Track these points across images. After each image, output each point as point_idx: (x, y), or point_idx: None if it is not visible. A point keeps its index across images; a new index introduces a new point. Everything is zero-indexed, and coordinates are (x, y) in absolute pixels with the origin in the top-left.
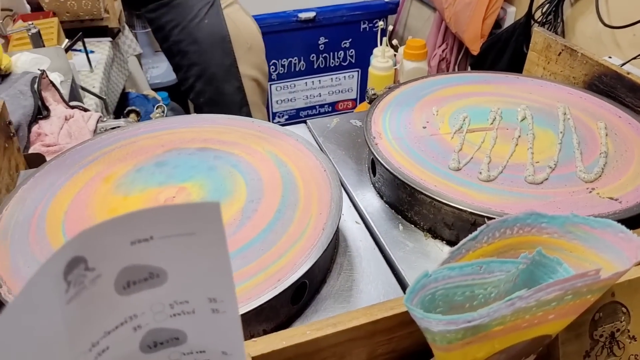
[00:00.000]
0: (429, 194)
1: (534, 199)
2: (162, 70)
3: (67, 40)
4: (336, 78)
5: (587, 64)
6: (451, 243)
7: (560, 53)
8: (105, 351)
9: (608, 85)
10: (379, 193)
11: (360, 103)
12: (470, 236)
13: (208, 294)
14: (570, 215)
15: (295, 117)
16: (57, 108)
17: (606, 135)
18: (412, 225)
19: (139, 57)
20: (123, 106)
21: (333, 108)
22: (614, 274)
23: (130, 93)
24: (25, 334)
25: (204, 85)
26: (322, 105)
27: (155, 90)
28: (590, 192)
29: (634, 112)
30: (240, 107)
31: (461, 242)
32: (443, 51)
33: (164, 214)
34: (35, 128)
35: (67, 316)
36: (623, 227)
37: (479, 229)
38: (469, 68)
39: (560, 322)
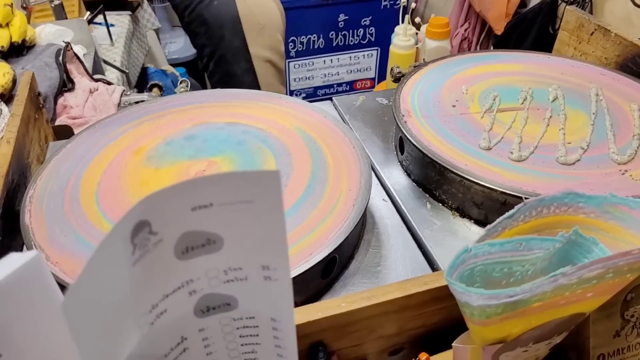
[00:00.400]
0: (459, 173)
1: (566, 180)
2: (179, 45)
3: (88, 12)
4: (355, 56)
5: (621, 45)
6: (479, 222)
7: (592, 33)
8: (163, 314)
9: None
10: (406, 171)
11: (378, 82)
12: (507, 214)
13: (262, 261)
14: (609, 195)
15: (313, 95)
16: (81, 81)
17: (639, 117)
18: (440, 204)
19: (157, 31)
20: (142, 81)
21: (351, 87)
22: None
23: (149, 68)
24: (100, 291)
25: (215, 66)
26: (340, 84)
27: (173, 65)
28: (623, 174)
29: None
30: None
31: (498, 220)
32: (465, 30)
33: (224, 182)
34: (60, 100)
35: (133, 278)
36: None
37: (516, 207)
38: (492, 48)
39: (597, 300)
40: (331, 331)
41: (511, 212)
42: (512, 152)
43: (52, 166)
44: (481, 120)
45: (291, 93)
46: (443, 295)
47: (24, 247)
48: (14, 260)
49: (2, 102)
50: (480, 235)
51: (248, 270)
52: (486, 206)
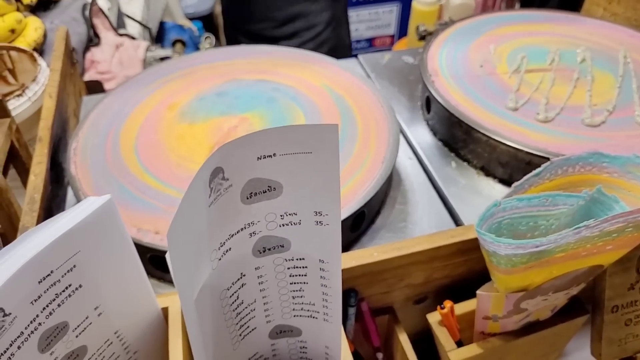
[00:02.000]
0: (486, 133)
1: (591, 141)
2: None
3: None
4: (374, 12)
5: None
6: (504, 181)
7: None
8: (227, 252)
9: None
10: (432, 130)
11: (398, 39)
12: (533, 172)
13: (315, 207)
14: (632, 156)
15: None
16: (107, 35)
17: None
18: (465, 163)
19: None
20: (160, 36)
21: (370, 44)
22: None
23: (166, 23)
24: (190, 226)
25: (331, 31)
26: (358, 41)
27: (189, 19)
28: None
29: None
30: None
31: (525, 178)
32: None
33: (287, 134)
34: (88, 55)
35: (209, 217)
36: None
37: (543, 165)
38: (517, 6)
39: (616, 253)
40: (363, 278)
41: (538, 170)
42: (538, 113)
43: (91, 120)
44: (508, 81)
45: None
46: (468, 248)
47: (67, 197)
48: (92, 202)
49: (40, 57)
50: (507, 192)
51: (302, 215)
52: (511, 166)
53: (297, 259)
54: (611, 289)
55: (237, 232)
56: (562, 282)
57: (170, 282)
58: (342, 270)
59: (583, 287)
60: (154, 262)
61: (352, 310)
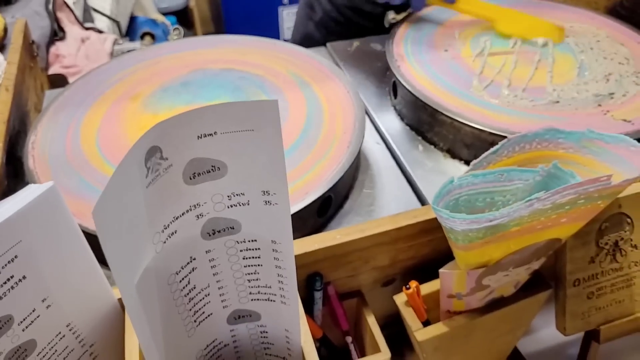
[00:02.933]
0: (450, 115)
1: (551, 120)
2: None
3: None
4: None
5: None
6: (469, 163)
7: None
8: (173, 234)
9: (629, 10)
10: (399, 115)
11: None
12: (491, 150)
13: (262, 187)
14: (586, 131)
15: None
16: (72, 29)
17: (626, 60)
18: (432, 146)
19: None
20: (131, 31)
21: None
22: (623, 181)
23: (138, 17)
24: (121, 205)
25: None
26: None
27: (163, 14)
28: (605, 114)
29: None
30: None
31: (483, 155)
32: None
33: (227, 111)
34: (52, 49)
35: (147, 199)
36: (635, 142)
37: (500, 143)
38: None
39: (571, 226)
40: (327, 262)
41: (495, 147)
42: (500, 95)
43: (51, 113)
44: (472, 64)
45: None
46: (431, 227)
47: None
48: (33, 190)
49: None
50: (467, 169)
51: (250, 195)
52: (475, 147)
53: (249, 241)
54: (572, 263)
55: (182, 214)
56: (522, 256)
57: None
58: (306, 254)
59: (545, 262)
60: None
61: (318, 295)
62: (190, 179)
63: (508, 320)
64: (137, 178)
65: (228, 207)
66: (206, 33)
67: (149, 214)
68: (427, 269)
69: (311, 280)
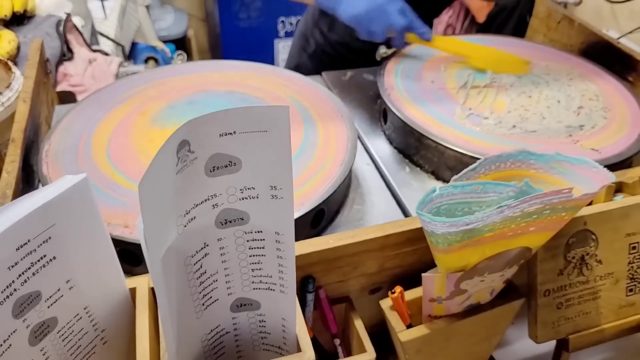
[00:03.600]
0: (435, 140)
1: (526, 147)
2: (169, 22)
3: None
4: None
5: (583, 33)
6: None
7: (559, 21)
8: (192, 220)
9: (600, 53)
10: (388, 139)
11: None
12: (470, 167)
13: (271, 182)
14: (555, 154)
15: None
16: (80, 51)
17: (595, 96)
18: (418, 168)
19: (147, 7)
20: (132, 56)
21: None
22: (583, 195)
23: (139, 43)
24: (158, 184)
25: None
26: None
27: (162, 42)
28: (575, 143)
29: (621, 78)
30: None
31: (462, 172)
32: (449, 17)
33: (246, 113)
34: (61, 69)
35: (175, 184)
36: (596, 164)
37: (478, 161)
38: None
39: (540, 235)
40: (320, 265)
41: (474, 165)
42: (481, 123)
43: (64, 125)
44: (456, 95)
45: None
46: (416, 237)
47: None
48: (69, 179)
49: (14, 66)
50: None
51: (260, 189)
52: (457, 169)
53: (255, 232)
54: (542, 274)
55: (201, 203)
56: (496, 263)
57: (137, 274)
58: (301, 257)
59: (518, 274)
60: (123, 255)
61: (310, 297)
62: (211, 171)
63: (485, 326)
64: (170, 165)
65: (240, 200)
66: None
67: (176, 198)
68: (411, 279)
69: (304, 283)
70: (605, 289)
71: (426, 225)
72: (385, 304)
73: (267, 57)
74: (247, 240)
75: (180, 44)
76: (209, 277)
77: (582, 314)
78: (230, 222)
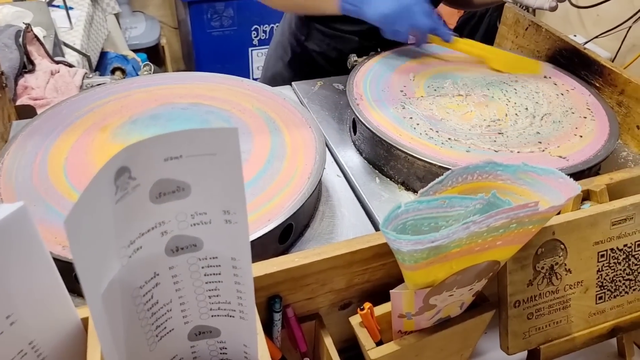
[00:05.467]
0: (404, 150)
1: (494, 156)
2: (140, 31)
3: None
4: None
5: (550, 39)
6: None
7: (527, 28)
8: (139, 249)
9: (567, 59)
10: (358, 150)
11: None
12: (436, 180)
13: (223, 206)
14: (521, 164)
15: None
16: (42, 62)
17: (563, 103)
18: (388, 179)
19: (117, 16)
20: (102, 66)
21: None
22: (550, 207)
23: (108, 53)
24: (91, 218)
25: None
26: None
27: (134, 51)
28: (543, 151)
29: (587, 83)
30: None
31: (429, 185)
32: None
33: (192, 136)
34: (21, 81)
35: (115, 214)
36: (562, 174)
37: (445, 174)
38: None
39: (507, 248)
40: (286, 284)
41: (441, 178)
42: (450, 132)
43: (19, 142)
44: (425, 104)
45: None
46: (383, 252)
47: None
48: (4, 209)
49: None
50: (414, 198)
51: (212, 215)
52: (427, 180)
53: (210, 258)
54: (512, 285)
55: (148, 231)
56: (464, 277)
57: None
58: (265, 276)
59: (488, 285)
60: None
61: (277, 317)
62: (157, 198)
63: (456, 339)
64: (107, 195)
65: (191, 226)
66: (177, 70)
67: (117, 229)
68: (381, 293)
69: (271, 302)
70: (575, 298)
71: (392, 243)
72: (355, 320)
73: (242, 65)
74: (202, 267)
75: (153, 52)
76: (162, 307)
77: (553, 323)
78: (182, 249)
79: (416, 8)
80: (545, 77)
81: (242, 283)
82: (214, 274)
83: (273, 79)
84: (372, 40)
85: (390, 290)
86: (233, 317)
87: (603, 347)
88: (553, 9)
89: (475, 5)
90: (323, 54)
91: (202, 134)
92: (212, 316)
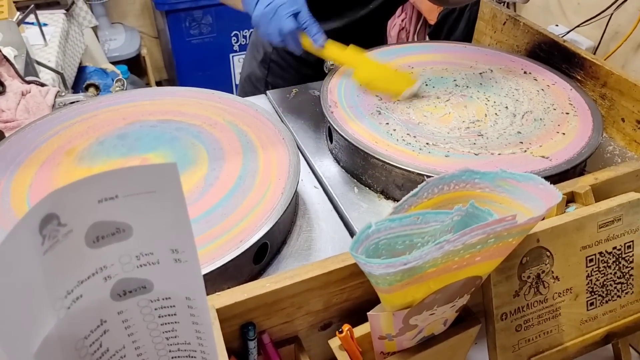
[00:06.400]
0: (381, 158)
1: (475, 159)
2: (120, 42)
3: (18, 13)
4: None
5: (529, 33)
6: None
7: (505, 22)
8: (79, 298)
9: (547, 52)
10: (335, 159)
11: None
12: (411, 193)
13: (170, 245)
14: (499, 171)
15: None
16: (12, 83)
17: (543, 99)
18: (367, 188)
19: (95, 29)
20: (81, 80)
21: None
22: (529, 219)
23: (87, 67)
24: (9, 277)
25: None
26: None
27: (114, 63)
28: (525, 151)
29: (569, 77)
30: None
31: (404, 199)
32: (402, 21)
33: (126, 175)
34: None
35: (44, 266)
36: (543, 180)
37: (419, 186)
38: (427, 38)
39: (488, 263)
40: (259, 310)
41: (415, 190)
42: (427, 137)
43: None
44: (401, 108)
45: (236, 87)
46: (359, 270)
47: None
48: None
49: None
50: (388, 213)
51: (159, 255)
52: (407, 187)
53: (162, 299)
54: (498, 297)
55: (88, 278)
56: (444, 295)
57: None
58: (236, 304)
59: (473, 298)
60: None
61: (252, 344)
62: (94, 242)
63: (441, 357)
64: (31, 247)
65: (137, 267)
66: (159, 80)
67: (48, 281)
68: (363, 311)
69: (244, 330)
70: (565, 306)
71: (362, 266)
72: (334, 343)
73: (223, 71)
74: (155, 309)
75: (134, 63)
76: (113, 355)
77: (543, 334)
78: (131, 292)
79: (283, 10)
80: (525, 72)
81: (200, 323)
82: (169, 315)
83: (248, 79)
84: (344, 40)
85: (368, 313)
86: (194, 357)
87: (599, 352)
88: (525, 0)
89: (452, 2)
90: (292, 54)
91: (138, 172)
92: (172, 358)
